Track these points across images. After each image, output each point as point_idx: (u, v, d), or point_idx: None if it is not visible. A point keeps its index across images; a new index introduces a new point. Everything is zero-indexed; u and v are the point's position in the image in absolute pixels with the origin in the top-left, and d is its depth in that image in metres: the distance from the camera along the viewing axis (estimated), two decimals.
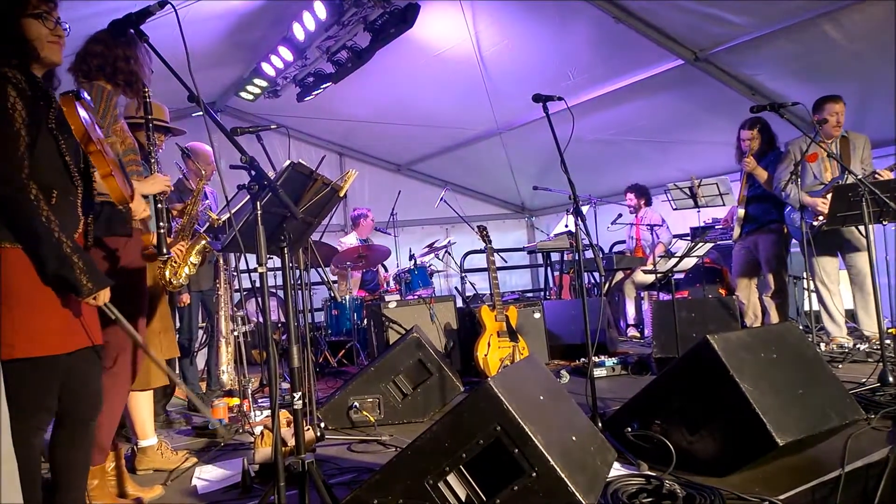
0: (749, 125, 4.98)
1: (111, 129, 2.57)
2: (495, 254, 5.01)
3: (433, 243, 6.85)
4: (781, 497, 2.08)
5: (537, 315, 5.25)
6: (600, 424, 2.75)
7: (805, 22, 4.79)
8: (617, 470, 2.37)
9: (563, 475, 1.80)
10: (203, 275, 4.40)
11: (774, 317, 5.11)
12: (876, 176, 4.35)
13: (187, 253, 3.01)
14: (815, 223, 4.56)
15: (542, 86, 3.58)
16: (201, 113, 2.04)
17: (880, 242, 5.09)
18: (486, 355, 4.54)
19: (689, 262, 5.06)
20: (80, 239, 2.00)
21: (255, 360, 5.88)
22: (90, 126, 2.05)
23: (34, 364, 1.83)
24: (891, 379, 3.30)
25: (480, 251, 7.09)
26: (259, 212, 2.09)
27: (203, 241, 3.08)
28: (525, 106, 6.14)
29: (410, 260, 6.41)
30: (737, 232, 5.18)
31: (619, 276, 6.77)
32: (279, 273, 2.63)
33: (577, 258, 3.45)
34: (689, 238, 6.23)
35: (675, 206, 6.01)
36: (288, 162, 2.59)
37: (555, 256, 7.61)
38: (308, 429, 3.01)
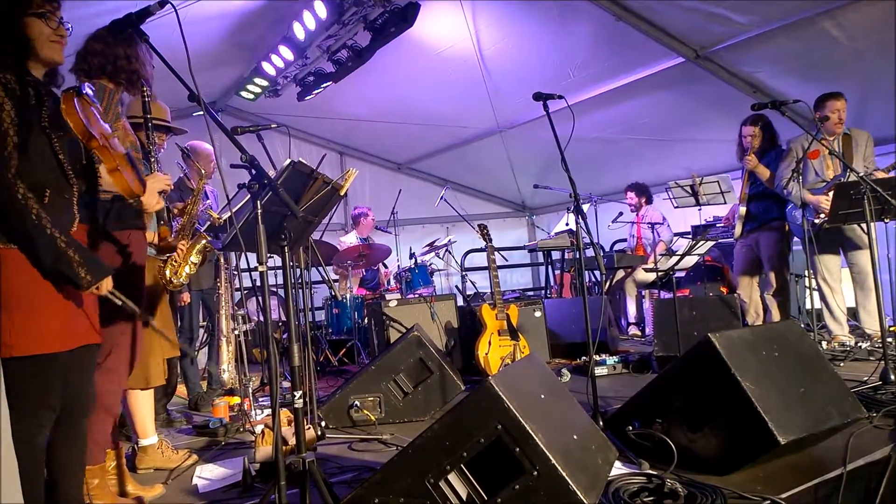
0: (751, 121, 4.97)
1: (113, 127, 2.57)
2: (496, 252, 5.00)
3: (434, 242, 6.86)
4: (783, 496, 2.07)
5: (538, 314, 5.25)
6: (601, 423, 2.75)
7: (805, 20, 4.78)
8: (618, 469, 2.36)
9: (564, 474, 1.80)
10: (203, 274, 4.40)
11: (776, 315, 5.10)
12: (873, 176, 4.34)
13: (188, 252, 3.01)
14: (816, 221, 4.55)
15: (542, 84, 3.57)
16: (202, 112, 2.04)
17: (882, 240, 5.09)
18: (486, 354, 4.54)
19: (690, 261, 5.06)
20: (83, 235, 2.00)
21: (255, 358, 5.88)
22: (91, 122, 2.03)
23: (34, 362, 1.84)
24: (892, 377, 3.29)
25: (481, 250, 7.07)
26: (259, 211, 2.09)
27: (203, 241, 3.07)
28: (525, 104, 6.15)
29: (411, 259, 6.41)
30: (738, 230, 5.17)
31: (620, 274, 6.77)
32: (280, 272, 2.63)
33: (577, 256, 3.45)
34: (690, 236, 6.24)
35: (676, 205, 6.01)
36: (288, 161, 2.59)
37: (556, 255, 7.61)
38: (309, 427, 3.00)
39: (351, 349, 5.94)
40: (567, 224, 6.67)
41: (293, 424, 2.18)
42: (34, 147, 1.85)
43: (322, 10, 5.39)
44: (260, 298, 2.13)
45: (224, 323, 4.37)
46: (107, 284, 1.94)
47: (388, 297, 5.74)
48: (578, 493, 1.79)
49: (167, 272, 2.92)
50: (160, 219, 2.85)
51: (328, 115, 7.74)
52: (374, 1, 5.35)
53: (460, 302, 5.62)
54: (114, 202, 2.39)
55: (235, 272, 4.63)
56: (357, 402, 3.59)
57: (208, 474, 2.90)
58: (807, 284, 4.98)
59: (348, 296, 6.17)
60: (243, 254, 2.29)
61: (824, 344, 4.63)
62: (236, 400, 3.95)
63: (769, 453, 2.23)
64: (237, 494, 2.61)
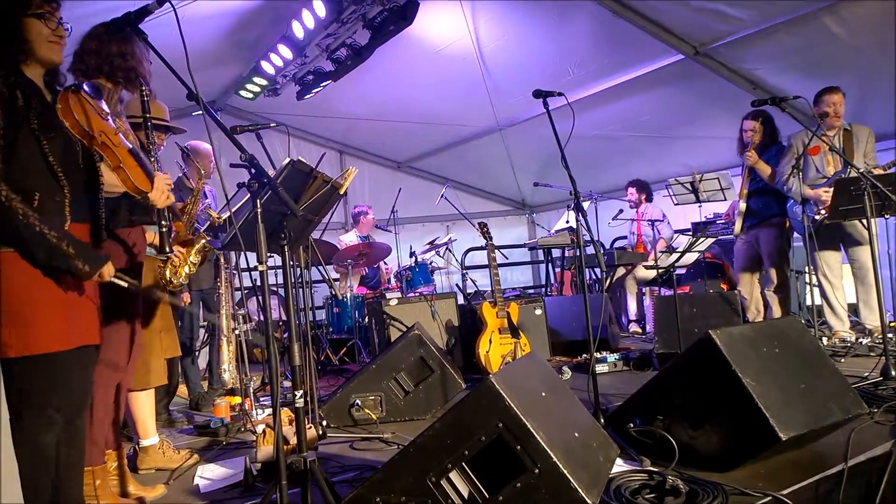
0: (752, 116, 4.96)
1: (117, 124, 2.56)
2: (496, 250, 5.00)
3: (434, 240, 6.85)
4: (784, 492, 2.07)
5: (539, 311, 5.25)
6: (602, 420, 2.75)
7: (806, 16, 4.77)
8: (620, 466, 2.37)
9: (565, 472, 1.80)
10: (203, 274, 4.39)
11: (777, 311, 5.10)
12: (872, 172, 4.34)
13: (187, 252, 3.00)
14: (817, 217, 4.55)
15: (542, 82, 3.57)
16: (201, 112, 2.03)
17: (882, 236, 5.09)
18: (487, 352, 4.54)
19: (690, 258, 5.07)
20: (84, 234, 2.00)
21: (256, 358, 5.88)
22: (91, 119, 2.02)
23: (33, 362, 1.84)
24: (893, 373, 3.29)
25: (481, 248, 7.09)
26: (259, 210, 2.08)
27: (203, 241, 3.07)
28: (525, 102, 6.14)
29: (411, 257, 6.41)
30: (738, 226, 5.16)
31: (621, 271, 6.77)
32: (280, 271, 2.63)
33: (578, 254, 3.45)
34: (690, 233, 6.24)
35: (676, 202, 6.00)
36: (288, 160, 2.58)
37: (556, 253, 7.61)
38: (310, 427, 3.00)
39: (352, 348, 5.94)
40: (567, 222, 6.67)
41: (294, 424, 2.18)
42: (22, 151, 1.84)
43: (321, 9, 5.38)
44: (260, 298, 2.12)
45: (224, 323, 4.37)
46: (108, 271, 1.95)
47: (388, 295, 5.73)
48: (580, 490, 1.79)
49: (167, 272, 2.92)
50: (174, 215, 2.83)
51: (327, 113, 7.73)
52: None
53: (461, 300, 5.62)
54: (122, 199, 2.38)
55: (235, 271, 4.63)
56: (358, 401, 3.59)
57: (210, 474, 2.90)
58: (807, 280, 4.98)
59: (349, 295, 6.17)
60: (243, 253, 2.28)
61: (825, 340, 4.63)
62: (237, 400, 3.95)
63: (770, 449, 2.23)
64: (238, 494, 2.61)
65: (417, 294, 5.64)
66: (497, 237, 5.36)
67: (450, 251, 6.86)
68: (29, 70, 1.95)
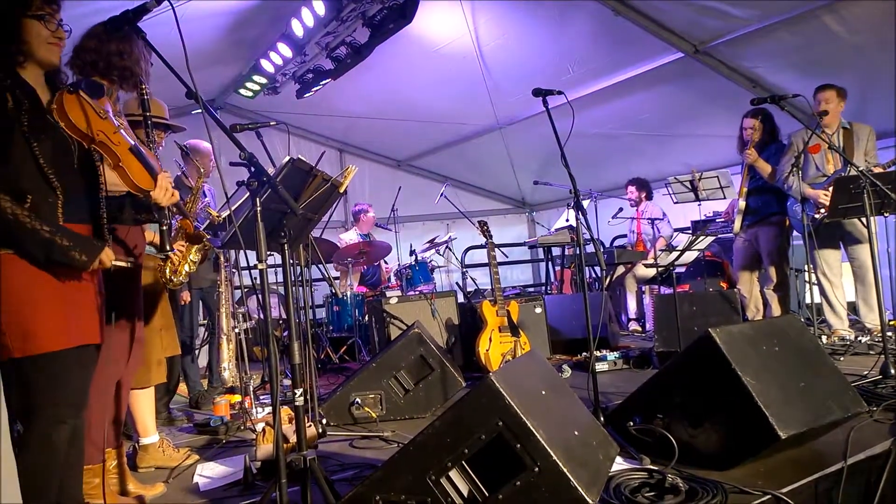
0: (752, 114, 4.96)
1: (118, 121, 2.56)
2: (496, 249, 5.00)
3: (434, 239, 6.85)
4: (784, 490, 2.07)
5: (539, 310, 5.25)
6: (602, 419, 2.76)
7: (805, 14, 4.77)
8: (619, 464, 2.37)
9: (565, 470, 1.80)
10: (203, 272, 4.39)
11: (776, 309, 5.10)
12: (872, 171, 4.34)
13: (187, 251, 3.01)
14: (816, 215, 4.55)
15: (541, 80, 3.57)
16: (201, 110, 2.03)
17: (882, 235, 5.09)
18: (487, 350, 4.54)
19: (690, 256, 5.07)
20: (88, 233, 2.00)
21: (256, 356, 5.88)
22: (90, 119, 2.00)
23: (34, 361, 1.84)
24: (892, 371, 3.29)
25: (481, 246, 7.07)
26: (259, 208, 2.08)
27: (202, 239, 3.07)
28: (525, 100, 6.14)
29: (411, 256, 6.41)
30: (737, 224, 5.16)
31: (621, 270, 6.77)
32: (280, 269, 2.63)
33: (578, 253, 3.45)
34: (690, 231, 6.24)
35: (675, 200, 6.00)
36: (287, 158, 2.58)
37: (556, 251, 7.61)
38: (310, 425, 3.00)
39: (352, 346, 5.95)
40: (567, 220, 6.67)
41: (294, 422, 2.18)
42: (13, 154, 1.84)
43: (320, 7, 5.37)
44: (260, 296, 2.12)
45: (224, 321, 4.37)
46: (107, 256, 1.96)
47: (388, 294, 5.74)
48: (580, 488, 1.79)
49: (167, 271, 2.92)
50: (181, 212, 2.81)
51: (327, 112, 7.72)
52: None
53: (461, 298, 5.62)
54: (127, 198, 2.38)
55: (235, 270, 4.62)
56: (358, 400, 3.59)
57: (209, 472, 2.90)
58: (807, 279, 4.98)
59: (349, 293, 6.17)
60: (243, 251, 2.28)
61: (824, 338, 4.63)
62: (237, 398, 3.95)
63: (770, 448, 2.23)
64: (238, 493, 2.61)
65: (417, 292, 5.64)
66: (497, 235, 5.36)
67: (450, 249, 6.86)
68: (27, 71, 1.95)
